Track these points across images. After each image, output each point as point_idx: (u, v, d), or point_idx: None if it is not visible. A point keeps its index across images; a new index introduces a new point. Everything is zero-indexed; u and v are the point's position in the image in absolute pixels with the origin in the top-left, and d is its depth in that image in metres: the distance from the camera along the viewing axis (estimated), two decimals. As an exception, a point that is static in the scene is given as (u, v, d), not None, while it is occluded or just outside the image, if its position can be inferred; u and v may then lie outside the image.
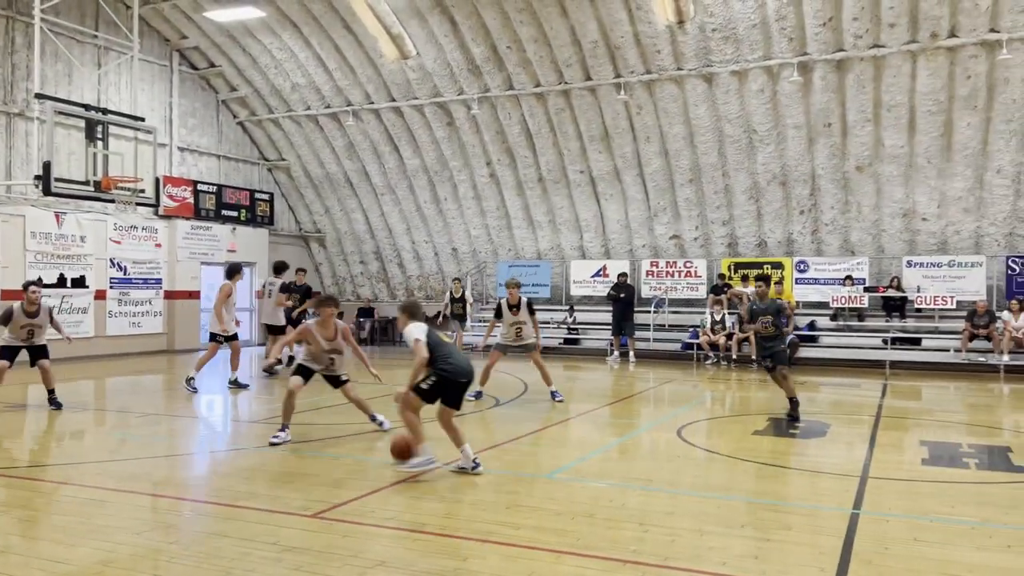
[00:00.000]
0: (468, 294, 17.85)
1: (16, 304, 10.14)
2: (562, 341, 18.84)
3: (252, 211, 21.00)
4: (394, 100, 19.01)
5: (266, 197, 21.59)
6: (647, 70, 16.48)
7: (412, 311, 7.13)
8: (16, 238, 15.61)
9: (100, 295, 17.23)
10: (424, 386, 6.70)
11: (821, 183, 16.69)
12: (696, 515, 5.68)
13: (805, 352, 16.28)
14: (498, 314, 11.04)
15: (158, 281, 18.60)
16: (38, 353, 10.27)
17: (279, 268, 14.12)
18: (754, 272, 17.46)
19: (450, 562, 4.60)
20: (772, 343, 9.85)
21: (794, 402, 9.72)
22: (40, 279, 10.72)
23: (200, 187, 19.57)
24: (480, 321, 18.39)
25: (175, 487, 6.53)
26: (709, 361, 16.45)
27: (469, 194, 20.03)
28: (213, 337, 12.06)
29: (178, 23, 18.56)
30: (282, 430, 8.04)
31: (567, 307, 19.22)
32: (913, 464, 7.49)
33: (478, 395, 10.92)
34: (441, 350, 6.75)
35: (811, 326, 16.86)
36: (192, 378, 11.74)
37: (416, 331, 6.77)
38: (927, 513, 5.73)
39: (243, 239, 20.51)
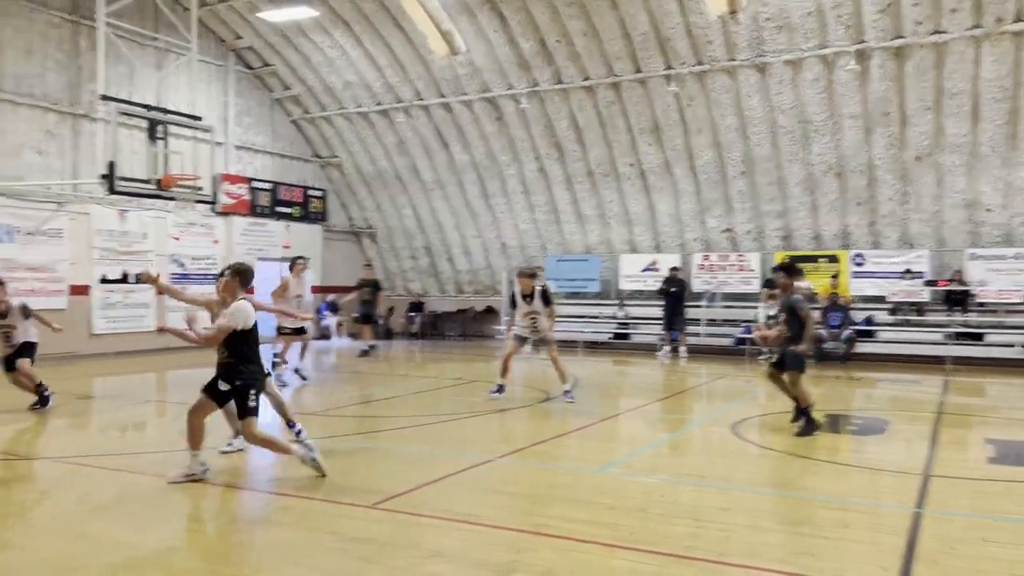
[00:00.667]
0: (548, 284, 17.19)
1: None
2: (612, 336, 18.76)
3: (306, 208, 21.39)
4: (443, 96, 19.14)
5: (319, 194, 21.96)
6: (698, 61, 16.27)
7: (245, 277, 6.28)
8: (83, 235, 16.16)
9: (161, 291, 17.73)
10: (253, 404, 6.06)
11: (879, 174, 16.27)
12: (751, 511, 5.63)
13: (862, 347, 15.92)
14: (512, 304, 10.62)
15: (216, 277, 19.02)
16: (17, 355, 9.46)
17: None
18: (809, 266, 17.14)
19: (505, 554, 4.64)
20: (790, 344, 8.43)
21: (805, 411, 8.24)
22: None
23: (256, 184, 19.99)
24: (576, 317, 18.00)
25: (236, 477, 6.70)
26: (762, 356, 16.17)
27: (518, 189, 20.07)
28: (279, 330, 12.24)
29: (234, 24, 18.98)
30: (236, 437, 7.08)
31: (617, 301, 19.13)
32: (978, 462, 7.28)
33: (500, 389, 10.36)
34: (258, 357, 6.18)
35: (868, 321, 16.47)
36: (280, 374, 11.95)
37: (242, 316, 5.99)
38: (994, 513, 5.57)
39: (297, 235, 20.89)
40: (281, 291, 12.25)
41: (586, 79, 17.41)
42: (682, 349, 16.76)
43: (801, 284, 16.82)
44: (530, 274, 10.52)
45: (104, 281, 16.53)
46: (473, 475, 6.56)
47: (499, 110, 18.91)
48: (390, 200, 22.14)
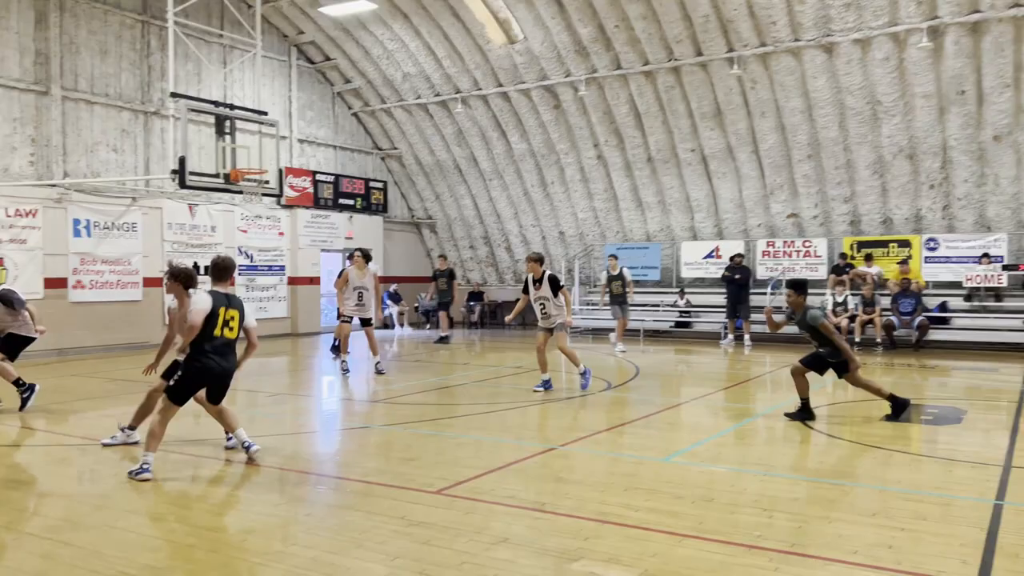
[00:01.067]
0: (626, 271, 16.11)
1: None
2: (673, 324, 18.54)
3: (367, 199, 21.70)
4: (501, 85, 19.13)
5: (380, 185, 22.25)
6: (762, 43, 15.88)
7: (222, 268, 6.59)
8: (155, 229, 16.74)
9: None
10: (172, 383, 6.10)
11: (953, 155, 15.64)
12: (822, 502, 5.51)
13: (936, 334, 15.38)
14: (525, 290, 10.42)
15: (282, 268, 19.52)
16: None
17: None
18: (878, 251, 16.72)
19: (572, 541, 4.64)
20: (824, 352, 8.55)
21: (804, 401, 8.43)
22: None
23: (319, 177, 20.37)
24: (637, 306, 17.64)
25: (305, 462, 6.87)
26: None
27: (576, 177, 19.96)
28: (340, 318, 12.53)
29: (296, 19, 19.32)
30: (131, 428, 7.26)
31: (678, 289, 18.89)
32: (1063, 454, 6.97)
33: (546, 384, 10.19)
34: (210, 349, 6.18)
35: (942, 307, 15.89)
36: (344, 360, 12.22)
37: (198, 304, 6.11)
38: (1081, 506, 5.33)
39: (359, 226, 21.22)
40: (343, 282, 12.48)
41: (645, 64, 17.17)
42: (746, 337, 16.47)
43: (870, 269, 16.48)
44: (538, 259, 10.32)
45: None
46: (537, 463, 6.58)
47: (557, 98, 18.81)
48: (449, 190, 22.28)
